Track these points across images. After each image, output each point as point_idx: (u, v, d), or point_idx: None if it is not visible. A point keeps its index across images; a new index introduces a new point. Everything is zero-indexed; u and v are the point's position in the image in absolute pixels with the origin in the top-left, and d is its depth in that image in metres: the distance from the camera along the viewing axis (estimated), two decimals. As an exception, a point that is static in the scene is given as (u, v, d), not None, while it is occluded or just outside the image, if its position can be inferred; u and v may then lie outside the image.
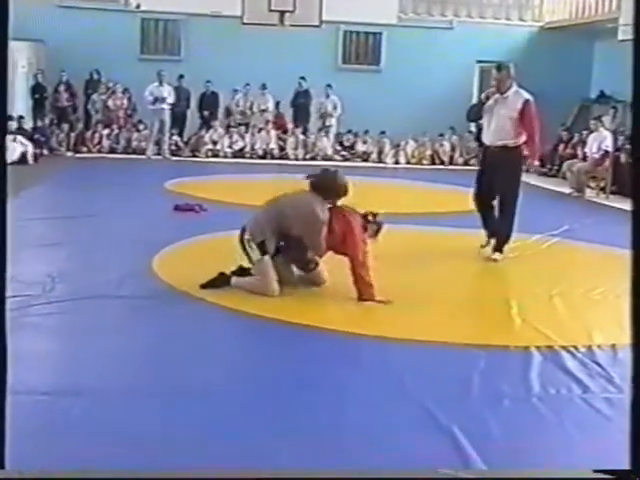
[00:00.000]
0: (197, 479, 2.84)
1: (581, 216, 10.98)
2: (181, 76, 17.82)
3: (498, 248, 7.48)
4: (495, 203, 7.55)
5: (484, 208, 7.62)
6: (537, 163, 7.87)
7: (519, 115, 7.21)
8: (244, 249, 5.98)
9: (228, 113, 18.40)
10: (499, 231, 7.50)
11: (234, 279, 5.96)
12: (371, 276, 5.75)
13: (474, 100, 20.96)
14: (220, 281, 5.96)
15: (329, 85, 18.09)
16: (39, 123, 17.00)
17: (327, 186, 6.04)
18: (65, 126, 17.21)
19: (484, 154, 7.72)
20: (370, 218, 6.07)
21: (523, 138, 7.32)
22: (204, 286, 5.90)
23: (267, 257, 5.87)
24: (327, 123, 18.35)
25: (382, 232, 6.11)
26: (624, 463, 3.48)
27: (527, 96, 7.30)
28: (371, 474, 2.92)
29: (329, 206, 5.96)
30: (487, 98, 7.41)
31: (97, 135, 17.56)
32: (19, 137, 14.68)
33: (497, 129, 7.32)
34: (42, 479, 2.77)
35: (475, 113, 7.79)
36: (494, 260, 7.37)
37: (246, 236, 5.95)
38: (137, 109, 18.13)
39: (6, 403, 2.34)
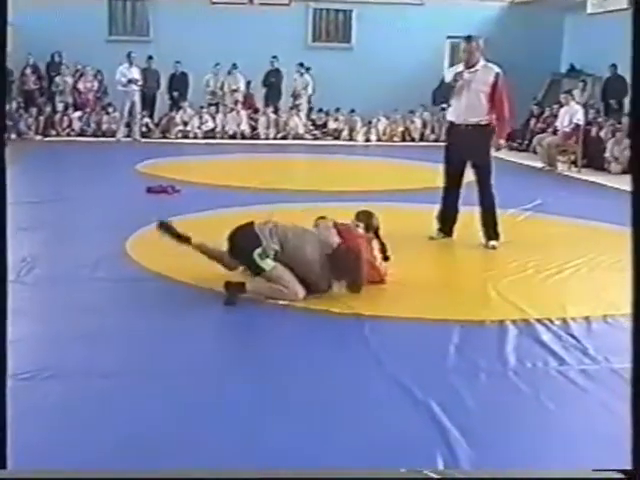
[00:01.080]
0: (197, 479, 2.84)
1: (553, 190, 11.05)
2: (150, 57, 17.68)
3: (491, 235, 7.11)
4: (459, 191, 7.27)
5: (451, 188, 7.29)
6: (503, 142, 7.42)
7: (491, 90, 6.97)
8: (251, 264, 5.43)
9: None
10: (484, 216, 7.14)
11: (249, 285, 5.35)
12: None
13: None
14: (235, 290, 5.33)
15: (301, 64, 18.01)
16: (6, 107, 16.78)
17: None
18: (33, 110, 17.03)
19: (452, 132, 7.33)
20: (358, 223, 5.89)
21: (494, 115, 7.12)
22: (227, 304, 5.25)
23: (279, 265, 5.34)
24: (297, 102, 18.30)
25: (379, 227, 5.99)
26: (601, 434, 3.53)
27: (497, 69, 7.07)
28: (367, 474, 2.92)
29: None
30: (455, 80, 7.05)
31: (66, 118, 17.40)
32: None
33: (469, 105, 7.03)
34: (42, 479, 2.76)
35: (442, 96, 7.34)
36: (493, 248, 7.02)
37: (255, 254, 5.36)
38: (107, 92, 18.00)
39: (6, 403, 2.32)
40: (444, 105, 7.87)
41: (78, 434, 3.35)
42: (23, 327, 4.75)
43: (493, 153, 7.25)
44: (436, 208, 7.46)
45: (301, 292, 5.31)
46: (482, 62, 7.08)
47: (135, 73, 16.82)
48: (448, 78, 7.17)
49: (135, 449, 3.22)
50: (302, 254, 5.34)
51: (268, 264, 5.36)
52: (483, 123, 7.05)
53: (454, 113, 7.22)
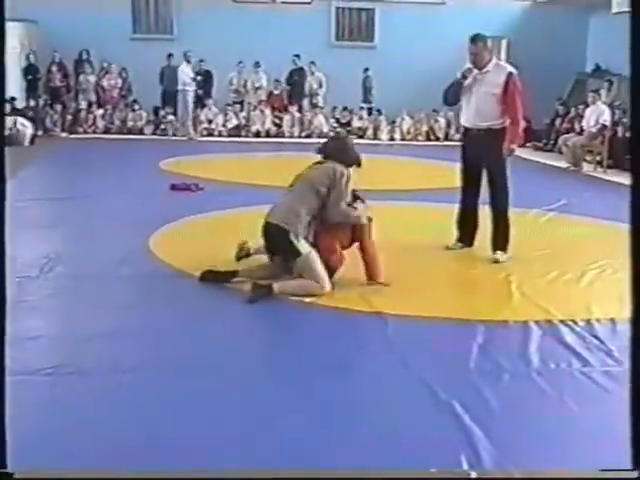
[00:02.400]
0: (197, 479, 2.85)
1: (578, 190, 10.98)
2: (170, 55, 17.76)
3: (497, 245, 6.67)
4: (479, 190, 6.85)
5: (468, 190, 6.89)
6: (515, 147, 6.61)
7: (502, 91, 6.45)
8: (289, 245, 5.46)
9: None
10: (494, 228, 6.71)
11: (277, 285, 5.30)
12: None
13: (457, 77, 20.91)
14: (223, 276, 5.58)
15: (313, 62, 17.98)
16: (32, 103, 16.90)
17: (338, 150, 5.96)
18: (58, 107, 17.15)
19: (465, 137, 6.90)
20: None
21: (507, 120, 6.57)
22: (203, 277, 5.58)
23: (314, 251, 5.45)
24: (314, 101, 18.26)
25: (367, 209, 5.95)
26: (624, 437, 3.50)
27: (510, 69, 6.58)
28: (372, 474, 2.92)
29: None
30: (464, 77, 6.62)
31: (91, 115, 17.50)
32: (19, 119, 14.60)
33: (478, 110, 6.58)
34: (42, 479, 2.77)
35: (452, 96, 6.83)
36: (495, 261, 6.54)
37: (291, 235, 5.43)
38: (132, 89, 18.11)
39: (6, 403, 2.34)
40: (454, 104, 7.20)
41: (101, 429, 3.37)
42: (45, 323, 4.80)
43: (514, 154, 6.72)
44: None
45: (328, 285, 5.34)
46: (494, 61, 6.64)
47: (192, 72, 17.14)
48: (458, 75, 6.74)
49: (163, 446, 3.23)
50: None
51: (304, 247, 5.42)
52: (495, 127, 6.55)
53: (464, 117, 6.83)
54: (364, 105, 18.60)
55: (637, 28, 2.20)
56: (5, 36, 2.30)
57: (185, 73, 17.08)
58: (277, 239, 5.53)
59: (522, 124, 6.65)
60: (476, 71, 6.59)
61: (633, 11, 2.24)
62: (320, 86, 18.20)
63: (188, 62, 17.16)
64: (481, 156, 6.64)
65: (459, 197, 7.02)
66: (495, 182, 6.67)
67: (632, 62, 2.20)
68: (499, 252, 6.62)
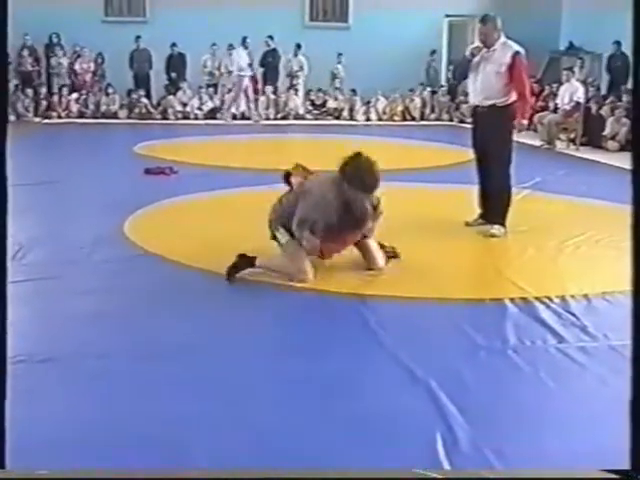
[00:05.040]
0: (197, 479, 2.84)
1: (552, 168, 11.01)
2: (138, 37, 17.64)
3: (496, 220, 6.82)
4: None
5: (480, 169, 7.02)
6: (525, 122, 6.89)
7: (507, 69, 6.60)
8: (272, 233, 5.53)
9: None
10: (491, 202, 6.92)
11: (259, 259, 5.33)
12: None
13: (444, 56, 21.11)
14: (243, 263, 5.36)
15: (298, 45, 17.93)
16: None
17: (352, 173, 5.23)
18: (29, 91, 16.97)
19: (473, 114, 7.07)
20: None
21: (514, 96, 6.70)
22: (229, 274, 5.27)
23: (293, 241, 5.36)
24: (294, 82, 18.22)
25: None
26: (599, 412, 3.53)
27: (517, 48, 6.68)
28: (368, 474, 2.92)
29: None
30: (473, 55, 6.75)
31: (64, 100, 17.34)
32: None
33: (483, 87, 6.71)
34: (42, 479, 2.76)
35: (461, 72, 7.14)
36: (491, 235, 6.67)
37: (272, 224, 5.49)
38: (105, 74, 17.96)
39: (6, 403, 2.33)
40: (462, 81, 7.54)
41: (76, 416, 3.35)
42: (18, 310, 4.74)
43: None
44: (439, 187, 7.39)
45: (311, 274, 5.27)
46: (502, 40, 6.71)
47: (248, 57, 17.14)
48: (467, 52, 6.88)
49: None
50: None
51: (284, 236, 5.40)
52: (499, 104, 6.68)
53: (472, 94, 6.96)
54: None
55: (638, 27, 2.19)
56: (6, 36, 2.26)
57: (242, 58, 17.01)
58: (269, 222, 5.59)
59: (530, 100, 6.87)
60: (484, 50, 6.71)
61: (634, 11, 2.24)
62: (301, 69, 18.12)
63: (245, 47, 17.09)
64: (486, 132, 6.79)
65: (477, 177, 7.10)
66: (499, 158, 6.81)
67: (634, 62, 2.20)
68: (496, 226, 6.77)
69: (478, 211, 7.11)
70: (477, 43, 6.83)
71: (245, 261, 5.32)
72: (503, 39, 6.74)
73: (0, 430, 2.33)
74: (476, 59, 6.75)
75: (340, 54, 18.42)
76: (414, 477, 2.87)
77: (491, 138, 6.77)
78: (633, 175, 2.21)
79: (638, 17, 2.23)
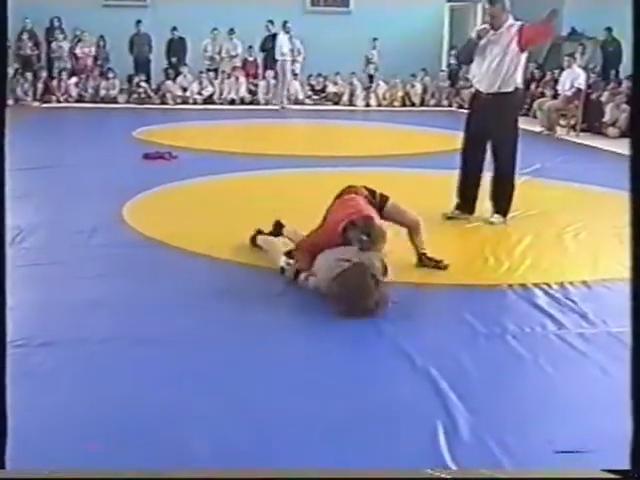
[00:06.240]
0: (197, 479, 2.84)
1: (552, 154, 10.98)
2: (139, 21, 17.58)
3: (499, 210, 6.72)
4: (484, 155, 6.74)
5: (472, 155, 6.76)
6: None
7: (517, 42, 6.38)
8: None
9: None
10: (496, 190, 6.74)
11: (261, 237, 5.62)
12: None
13: (445, 41, 21.03)
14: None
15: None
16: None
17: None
18: (29, 75, 16.91)
19: (475, 99, 6.78)
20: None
21: (519, 81, 6.58)
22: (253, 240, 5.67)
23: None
24: (292, 67, 18.11)
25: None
26: (598, 396, 3.53)
27: (522, 23, 6.53)
28: (368, 474, 2.92)
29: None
30: (479, 37, 6.53)
31: (64, 84, 17.29)
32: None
33: (490, 72, 6.49)
34: (42, 479, 2.76)
35: (466, 55, 6.85)
36: (491, 223, 6.63)
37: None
38: (109, 58, 17.90)
39: (7, 403, 2.32)
40: (468, 63, 7.10)
41: (75, 401, 3.35)
42: (17, 294, 4.74)
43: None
44: (438, 173, 7.30)
45: (282, 263, 5.13)
46: (509, 22, 6.51)
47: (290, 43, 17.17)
48: (473, 34, 6.68)
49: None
50: None
51: None
52: (507, 91, 6.51)
53: (477, 78, 6.70)
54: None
55: (637, 28, 2.18)
56: (7, 35, 2.25)
57: (285, 43, 17.02)
58: None
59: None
60: (491, 32, 6.52)
61: (634, 11, 2.23)
62: (299, 53, 18.06)
63: (287, 32, 17.08)
64: (490, 121, 6.55)
65: (460, 163, 6.86)
66: (504, 147, 6.64)
67: (634, 60, 2.18)
68: (496, 215, 6.68)
69: (455, 200, 6.85)
70: (484, 25, 6.65)
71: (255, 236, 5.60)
72: (511, 21, 6.54)
73: (0, 430, 2.33)
74: (482, 42, 6.54)
75: (375, 39, 18.35)
76: (418, 477, 2.87)
77: (497, 126, 6.57)
78: (631, 162, 2.20)
79: (638, 14, 2.21)
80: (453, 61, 17.74)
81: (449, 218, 6.76)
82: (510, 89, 6.54)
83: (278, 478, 2.82)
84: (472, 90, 6.97)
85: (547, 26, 6.48)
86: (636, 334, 2.20)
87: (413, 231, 5.42)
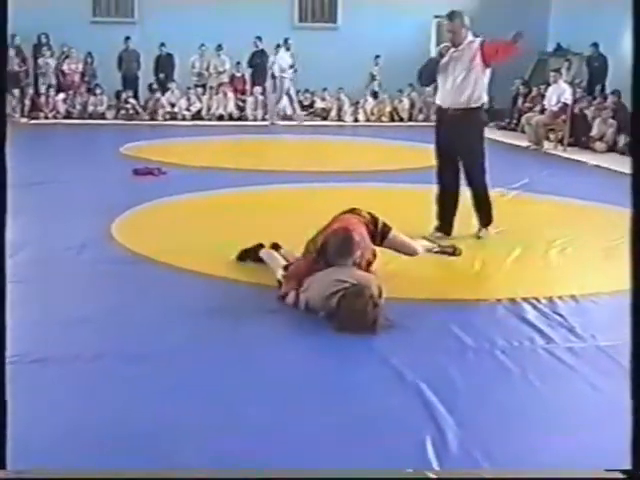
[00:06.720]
0: (197, 479, 2.84)
1: (540, 169, 11.06)
2: (127, 38, 17.61)
3: (485, 224, 6.73)
4: (457, 172, 6.66)
5: (445, 173, 6.71)
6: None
7: (480, 58, 6.35)
8: None
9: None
10: (477, 209, 6.73)
11: (264, 251, 5.67)
12: None
13: (432, 56, 20.92)
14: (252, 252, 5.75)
15: (278, 45, 17.87)
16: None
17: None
18: (16, 91, 16.90)
19: (441, 116, 6.73)
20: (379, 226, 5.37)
21: (484, 98, 6.54)
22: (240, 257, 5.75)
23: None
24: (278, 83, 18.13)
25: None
26: (586, 410, 3.55)
27: (482, 39, 6.50)
28: (369, 474, 2.93)
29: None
30: (441, 55, 6.50)
31: (52, 100, 17.28)
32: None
33: (455, 88, 6.44)
34: (42, 479, 2.75)
35: (428, 75, 6.69)
36: (478, 237, 6.63)
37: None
38: (97, 74, 17.91)
39: (6, 404, 2.32)
40: (429, 84, 7.20)
41: (65, 419, 3.34)
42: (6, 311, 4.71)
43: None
44: (424, 188, 7.28)
45: (278, 276, 5.17)
46: (470, 38, 6.49)
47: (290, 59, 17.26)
48: (434, 53, 6.61)
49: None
50: None
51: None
52: (472, 107, 6.48)
53: (441, 96, 6.66)
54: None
55: (637, 27, 2.19)
56: (6, 37, 2.25)
57: (284, 60, 17.13)
58: None
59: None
60: (453, 49, 6.47)
61: (634, 11, 2.24)
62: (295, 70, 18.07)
63: (287, 49, 17.21)
64: (457, 137, 6.52)
65: (436, 181, 6.83)
66: (473, 162, 6.61)
67: (634, 63, 2.20)
68: (483, 230, 6.73)
69: (435, 223, 6.74)
70: (445, 43, 6.57)
71: (252, 252, 5.68)
72: (471, 37, 6.51)
73: (0, 430, 2.33)
74: (444, 60, 6.49)
75: (378, 56, 18.49)
76: (412, 477, 2.88)
77: (464, 143, 6.53)
78: (633, 179, 2.20)
79: (638, 17, 2.22)
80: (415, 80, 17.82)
81: (426, 239, 6.35)
82: (476, 105, 6.51)
83: (278, 478, 2.83)
84: (437, 107, 6.85)
85: (509, 44, 6.41)
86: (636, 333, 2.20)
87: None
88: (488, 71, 6.56)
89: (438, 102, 6.76)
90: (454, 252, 6.01)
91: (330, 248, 4.85)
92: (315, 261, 4.91)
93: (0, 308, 2.29)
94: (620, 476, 2.44)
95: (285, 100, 18.02)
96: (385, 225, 5.34)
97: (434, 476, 2.87)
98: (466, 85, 6.44)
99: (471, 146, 6.60)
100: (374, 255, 5.18)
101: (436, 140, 6.79)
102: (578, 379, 3.89)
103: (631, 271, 2.17)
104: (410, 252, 5.60)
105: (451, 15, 6.50)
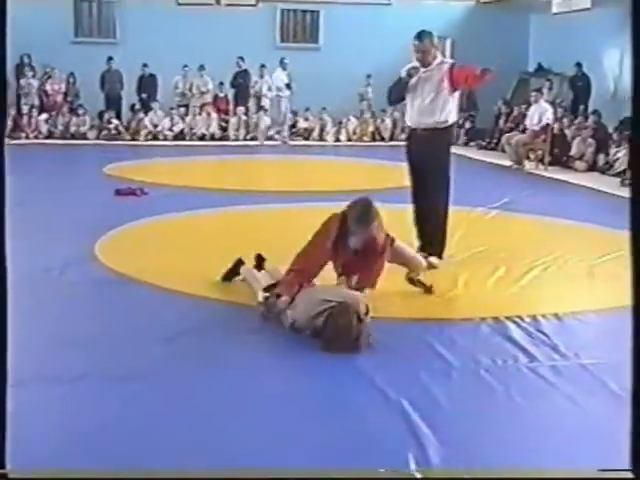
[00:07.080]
0: (197, 479, 2.82)
1: (521, 188, 11.11)
2: (110, 58, 17.63)
3: (435, 250, 6.46)
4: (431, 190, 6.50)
5: (419, 195, 6.60)
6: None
7: (448, 82, 6.27)
8: None
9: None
10: (429, 230, 6.55)
11: (245, 268, 5.66)
12: None
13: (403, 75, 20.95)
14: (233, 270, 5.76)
15: (263, 65, 17.91)
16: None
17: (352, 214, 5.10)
18: (-2, 112, 16.84)
19: (409, 136, 6.71)
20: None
21: (453, 118, 6.51)
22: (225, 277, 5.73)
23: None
24: (262, 103, 18.10)
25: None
26: (569, 428, 3.56)
27: (452, 62, 6.51)
28: (368, 474, 2.92)
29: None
30: (410, 75, 6.39)
31: (33, 120, 17.24)
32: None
33: (424, 108, 6.38)
34: (42, 479, 2.73)
35: (397, 95, 6.65)
36: (433, 267, 6.22)
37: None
38: (79, 94, 17.90)
39: (6, 404, 2.30)
40: (398, 103, 7.16)
41: (45, 442, 3.32)
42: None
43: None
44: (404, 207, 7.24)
45: (260, 298, 5.14)
46: (439, 59, 6.43)
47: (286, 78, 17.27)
48: (403, 73, 6.50)
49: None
50: None
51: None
52: (440, 127, 6.39)
53: (409, 116, 6.60)
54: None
55: (637, 29, 2.20)
56: (6, 38, 2.24)
57: (280, 79, 17.19)
58: None
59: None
60: (422, 69, 6.42)
61: (633, 12, 2.25)
62: (269, 90, 18.08)
63: (283, 69, 17.24)
64: (425, 156, 6.46)
65: (411, 201, 6.74)
66: (437, 183, 6.49)
67: (634, 67, 2.22)
68: (433, 257, 6.36)
69: (416, 243, 6.57)
70: (414, 63, 6.50)
71: (234, 271, 5.69)
72: (440, 58, 6.50)
73: (0, 430, 2.31)
74: (413, 80, 6.41)
75: (369, 75, 18.54)
76: (407, 477, 2.87)
77: (432, 161, 6.46)
78: (632, 203, 2.21)
79: (638, 17, 2.22)
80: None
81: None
82: (444, 125, 6.45)
83: (278, 478, 2.82)
84: (408, 127, 6.78)
85: (478, 76, 6.32)
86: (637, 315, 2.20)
87: (415, 272, 5.62)
88: (457, 92, 6.52)
89: (407, 122, 6.74)
90: (429, 289, 5.61)
91: (351, 215, 4.94)
92: (329, 249, 4.99)
93: (2, 311, 2.28)
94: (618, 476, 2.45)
95: (267, 120, 17.95)
96: (387, 235, 5.28)
97: (420, 476, 2.87)
98: (435, 106, 6.39)
99: (438, 166, 6.49)
100: (391, 240, 5.23)
101: (408, 159, 6.73)
102: (561, 397, 3.90)
103: (632, 286, 2.18)
104: (415, 266, 5.59)
105: (420, 35, 6.43)
